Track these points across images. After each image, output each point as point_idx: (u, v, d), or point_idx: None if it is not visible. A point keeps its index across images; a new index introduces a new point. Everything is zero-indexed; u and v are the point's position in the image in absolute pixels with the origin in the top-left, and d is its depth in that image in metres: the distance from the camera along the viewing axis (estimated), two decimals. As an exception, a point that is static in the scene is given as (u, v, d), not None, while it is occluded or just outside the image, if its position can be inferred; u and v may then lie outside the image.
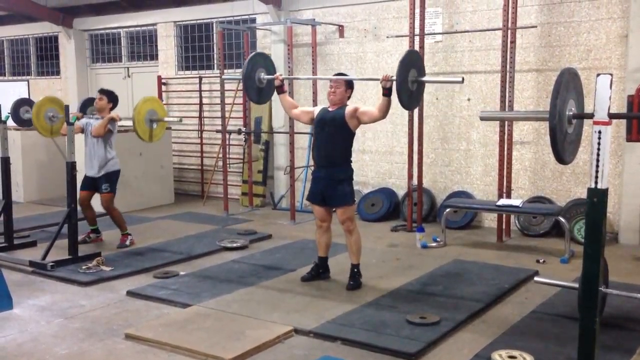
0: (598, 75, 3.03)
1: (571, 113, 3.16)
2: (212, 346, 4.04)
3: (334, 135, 5.28)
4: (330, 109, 5.37)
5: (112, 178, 6.74)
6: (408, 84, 4.87)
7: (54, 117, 7.25)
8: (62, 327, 4.52)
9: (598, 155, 3.06)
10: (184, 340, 4.14)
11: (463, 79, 4.91)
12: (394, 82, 4.85)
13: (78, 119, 6.83)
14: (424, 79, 5.04)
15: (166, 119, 6.70)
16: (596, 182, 3.08)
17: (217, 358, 3.89)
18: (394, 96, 4.90)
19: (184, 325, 4.44)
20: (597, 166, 3.07)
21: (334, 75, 5.56)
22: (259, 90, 5.78)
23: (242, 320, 4.52)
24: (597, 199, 3.09)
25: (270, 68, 5.82)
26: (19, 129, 9.85)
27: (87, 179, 6.80)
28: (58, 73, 12.31)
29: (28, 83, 12.75)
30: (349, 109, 5.25)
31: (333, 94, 5.33)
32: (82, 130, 6.84)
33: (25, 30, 12.58)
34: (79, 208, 6.49)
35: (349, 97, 5.42)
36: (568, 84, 3.12)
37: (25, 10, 11.52)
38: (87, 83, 11.87)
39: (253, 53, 5.94)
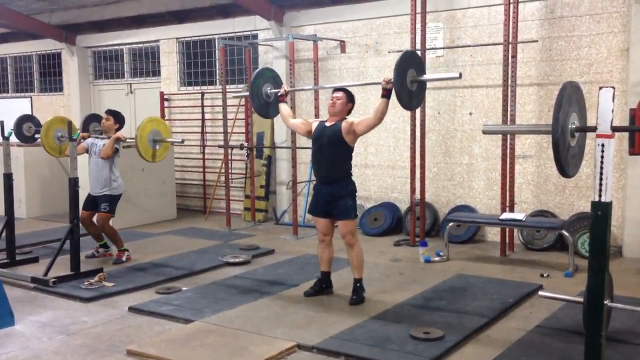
0: (600, 88, 3.04)
1: (574, 126, 3.16)
2: (215, 362, 4.01)
3: (332, 153, 5.29)
4: (327, 124, 5.37)
5: (113, 200, 6.77)
6: (407, 85, 4.90)
7: (62, 137, 7.27)
8: (64, 343, 4.49)
9: (602, 168, 3.05)
10: (186, 357, 4.11)
11: (460, 74, 4.95)
12: (394, 84, 4.88)
13: (84, 138, 6.86)
14: (424, 77, 5.05)
15: (169, 139, 6.68)
16: (600, 195, 3.06)
17: (220, 374, 3.86)
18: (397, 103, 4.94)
19: (187, 341, 4.41)
20: (601, 179, 3.06)
21: (335, 88, 5.58)
22: (266, 104, 5.89)
23: (245, 336, 4.49)
24: (601, 212, 3.08)
25: (277, 81, 5.93)
26: (22, 145, 9.88)
27: (89, 198, 6.81)
28: (61, 89, 12.37)
29: (31, 99, 12.82)
30: (345, 124, 5.24)
31: (333, 105, 5.34)
32: (87, 151, 6.85)
33: (28, 47, 12.67)
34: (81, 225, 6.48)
35: (349, 112, 5.42)
36: (570, 97, 3.12)
37: (29, 28, 11.60)
38: (90, 99, 11.93)
39: (260, 68, 5.98)
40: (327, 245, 5.48)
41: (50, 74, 12.61)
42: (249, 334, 4.53)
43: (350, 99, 5.40)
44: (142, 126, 6.40)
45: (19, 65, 13.15)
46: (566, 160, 3.12)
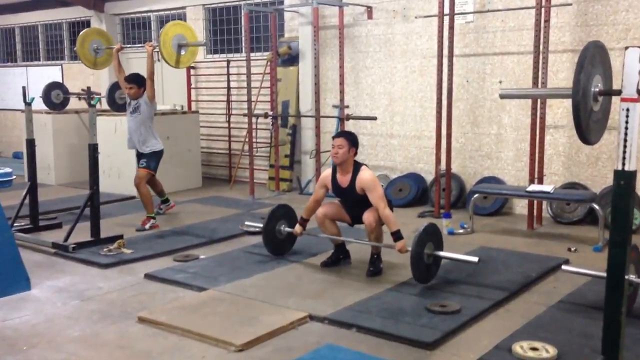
0: (626, 48, 2.81)
1: (597, 89, 2.94)
2: (224, 331, 3.96)
3: (356, 201, 5.16)
4: (339, 179, 5.17)
5: (152, 156, 6.96)
6: (424, 259, 4.76)
7: (98, 49, 7.34)
8: (78, 309, 4.50)
9: (626, 134, 2.84)
10: (196, 325, 4.07)
11: (479, 260, 4.76)
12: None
13: (119, 50, 7.23)
14: (441, 254, 4.86)
15: (194, 42, 6.65)
16: (623, 164, 2.86)
17: (228, 343, 3.80)
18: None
19: (198, 309, 4.37)
20: (625, 146, 2.85)
21: (334, 135, 5.37)
22: (280, 243, 5.67)
23: (257, 306, 4.43)
24: (624, 181, 2.88)
25: (291, 216, 5.68)
26: (51, 112, 9.98)
27: (137, 155, 7.08)
28: (90, 58, 12.38)
29: (62, 67, 12.88)
30: (359, 187, 5.04)
31: (335, 155, 5.11)
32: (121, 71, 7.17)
33: (58, 14, 12.70)
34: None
35: (354, 155, 5.17)
36: (594, 58, 2.91)
37: (59, -5, 11.62)
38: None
39: (270, 211, 5.68)
40: (323, 222, 5.31)
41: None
42: (261, 304, 4.46)
43: (352, 143, 5.13)
44: (165, 30, 6.35)
45: (49, 33, 13.21)
46: (587, 126, 2.93)
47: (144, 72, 7.00)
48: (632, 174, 2.87)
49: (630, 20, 6.71)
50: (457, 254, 4.97)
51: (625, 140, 2.85)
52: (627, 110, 2.83)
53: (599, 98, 2.97)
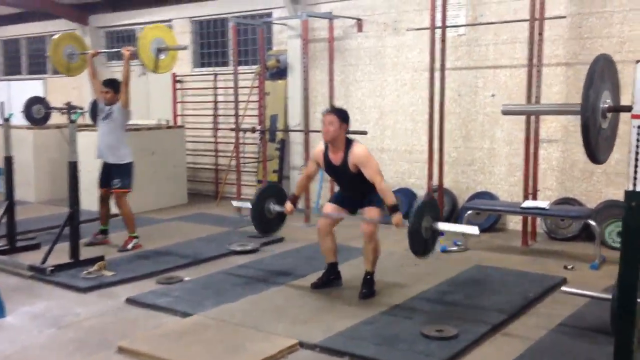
0: (638, 62, 2.64)
1: (606, 106, 2.77)
2: (209, 361, 3.73)
3: (351, 181, 4.96)
4: (331, 157, 4.96)
5: (124, 171, 6.54)
6: (422, 233, 4.54)
7: (72, 54, 7.08)
8: (54, 337, 4.25)
9: (637, 154, 2.66)
10: (179, 355, 3.84)
11: (479, 232, 4.55)
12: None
13: (94, 55, 6.92)
14: (439, 226, 4.64)
15: (173, 46, 6.41)
16: (635, 184, 2.68)
17: (213, 375, 3.58)
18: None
19: (182, 336, 4.13)
20: (636, 166, 2.67)
21: (325, 110, 5.13)
22: (268, 222, 5.41)
23: (244, 332, 4.20)
24: (637, 202, 2.70)
25: (281, 195, 5.44)
26: (32, 127, 9.73)
27: (104, 170, 6.65)
28: (74, 71, 12.13)
29: (44, 82, 12.62)
30: (352, 164, 4.83)
31: (326, 132, 4.88)
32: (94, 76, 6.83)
33: (41, 28, 12.45)
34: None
35: (345, 131, 4.96)
36: (603, 73, 2.73)
37: (41, 7, 11.37)
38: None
39: (260, 189, 5.52)
40: (327, 233, 5.13)
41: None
42: (249, 330, 4.23)
43: (343, 119, 4.92)
44: (143, 34, 6.13)
45: (32, 46, 12.96)
46: (597, 144, 2.75)
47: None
48: (645, 195, 2.69)
49: (625, 33, 6.59)
50: (456, 226, 4.78)
51: (637, 160, 2.67)
52: (639, 127, 2.65)
53: (608, 115, 2.79)
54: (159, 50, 6.22)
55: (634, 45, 6.55)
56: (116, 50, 6.70)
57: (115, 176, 6.52)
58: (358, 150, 4.84)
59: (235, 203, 6.50)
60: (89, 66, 6.90)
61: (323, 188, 8.37)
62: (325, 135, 4.90)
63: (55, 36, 7.21)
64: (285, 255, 6.29)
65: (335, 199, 5.21)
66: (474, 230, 4.59)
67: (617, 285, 2.82)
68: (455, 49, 7.59)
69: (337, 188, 5.50)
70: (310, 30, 8.46)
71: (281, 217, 5.46)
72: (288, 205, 5.20)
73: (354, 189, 4.99)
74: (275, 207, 5.31)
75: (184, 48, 7.06)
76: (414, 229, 4.47)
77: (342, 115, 4.95)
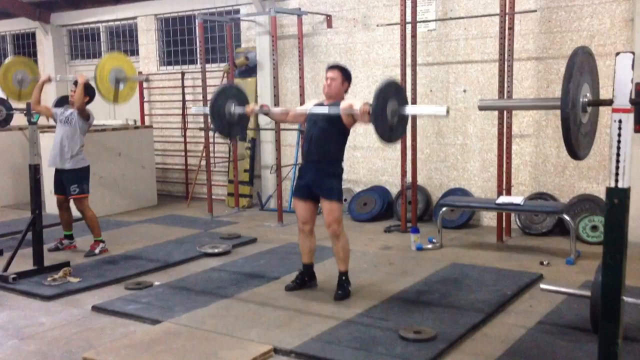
0: (617, 54, 2.57)
1: (586, 100, 2.69)
2: (180, 371, 3.58)
3: (327, 130, 4.78)
4: (324, 104, 4.88)
5: (80, 175, 6.25)
6: (387, 119, 4.25)
7: (23, 80, 6.78)
8: (15, 350, 4.04)
9: (619, 148, 2.59)
10: (148, 365, 3.67)
11: (448, 110, 4.21)
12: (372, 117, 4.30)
13: (49, 80, 6.54)
14: (407, 111, 4.40)
15: (133, 76, 6.18)
16: (617, 180, 2.61)
17: (184, 386, 3.42)
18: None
19: (151, 346, 3.96)
20: (618, 161, 2.60)
21: (329, 66, 4.98)
22: (229, 125, 5.02)
23: (216, 339, 4.05)
24: (618, 199, 2.63)
25: (242, 98, 5.10)
26: (-7, 130, 9.39)
27: (56, 178, 6.33)
28: (36, 71, 11.79)
29: (6, 82, 12.22)
30: (344, 104, 4.73)
31: (329, 86, 4.80)
32: (54, 119, 6.39)
33: (1, 27, 12.06)
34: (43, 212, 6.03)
35: (346, 91, 4.90)
36: (582, 66, 2.65)
37: (0, 6, 10.99)
38: (66, 81, 11.35)
39: (219, 87, 5.22)
40: (307, 235, 5.01)
41: (25, 55, 12.02)
42: (221, 337, 4.08)
43: (346, 77, 4.85)
44: (101, 64, 5.89)
45: (-8, 46, 12.57)
46: (577, 140, 2.67)
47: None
48: (626, 191, 2.62)
49: (595, 27, 6.58)
50: (424, 107, 4.54)
51: (618, 155, 2.60)
52: (620, 121, 2.58)
53: (588, 109, 2.72)
54: (118, 81, 5.98)
55: (603, 38, 6.56)
56: (71, 77, 6.37)
57: (72, 182, 6.23)
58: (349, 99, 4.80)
59: (194, 109, 6.61)
60: (36, 91, 6.39)
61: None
62: (327, 89, 4.80)
63: (5, 61, 6.92)
64: (259, 256, 6.14)
65: (298, 189, 5.01)
66: (441, 110, 4.24)
67: (601, 284, 2.74)
68: (426, 45, 7.52)
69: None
70: (279, 26, 8.31)
71: (243, 122, 5.14)
72: (249, 107, 4.95)
73: (321, 141, 4.77)
74: (236, 109, 4.95)
75: (145, 79, 6.81)
76: (378, 113, 4.16)
77: (346, 73, 4.87)
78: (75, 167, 6.23)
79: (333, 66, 4.93)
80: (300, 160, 5.18)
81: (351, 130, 7.63)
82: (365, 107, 4.37)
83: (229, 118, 4.96)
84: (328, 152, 4.83)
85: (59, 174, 6.32)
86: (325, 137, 4.80)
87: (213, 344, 3.97)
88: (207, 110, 5.12)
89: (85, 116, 6.20)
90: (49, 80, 6.58)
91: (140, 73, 6.80)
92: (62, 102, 7.20)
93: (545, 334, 4.06)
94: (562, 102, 2.55)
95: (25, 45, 11.96)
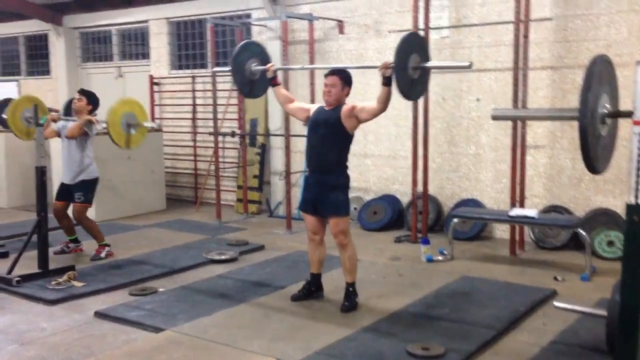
0: (638, 62, 2.45)
1: (605, 111, 2.58)
2: (180, 383, 3.48)
3: (327, 137, 4.70)
4: (326, 109, 4.81)
5: (87, 186, 6.19)
6: (408, 71, 4.22)
7: (31, 119, 6.70)
8: (14, 355, 3.97)
9: (639, 162, 2.47)
10: (148, 375, 3.58)
11: (471, 64, 4.22)
12: (394, 71, 4.25)
13: (54, 120, 6.29)
14: (428, 64, 4.37)
15: (145, 124, 6.11)
16: (637, 197, 2.49)
17: (184, 399, 3.33)
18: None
19: (152, 355, 3.88)
20: (638, 176, 2.48)
21: (327, 72, 4.89)
22: (250, 82, 5.17)
23: (217, 350, 3.95)
24: (638, 216, 2.50)
25: (265, 58, 5.22)
26: (3, 131, 9.37)
27: (62, 187, 6.28)
28: (49, 73, 11.81)
29: (18, 83, 12.26)
30: (345, 108, 4.66)
31: (328, 94, 4.72)
32: (59, 134, 6.32)
33: (14, 28, 12.09)
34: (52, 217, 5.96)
35: (347, 95, 4.82)
36: (601, 75, 2.54)
37: (14, 7, 11.02)
38: (77, 83, 11.34)
39: (244, 42, 5.34)
40: (317, 244, 4.91)
41: (37, 57, 12.06)
42: (223, 347, 3.99)
43: (346, 82, 4.75)
44: (114, 109, 5.83)
45: (5, 47, 12.59)
46: (595, 153, 2.55)
47: (104, 90, 6.40)
48: (647, 208, 2.50)
49: (612, 36, 6.45)
50: (446, 62, 4.53)
51: (639, 170, 2.48)
52: (641, 134, 2.46)
53: (607, 121, 2.60)
54: (129, 126, 5.94)
55: (620, 48, 6.40)
56: (74, 118, 6.19)
57: (78, 190, 6.17)
58: (350, 103, 4.73)
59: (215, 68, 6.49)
60: (44, 128, 6.17)
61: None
62: (327, 97, 4.72)
63: (13, 100, 6.80)
64: (265, 264, 6.04)
65: (304, 204, 4.94)
66: (464, 64, 4.33)
67: (619, 304, 2.61)
68: (439, 52, 7.40)
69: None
70: (290, 31, 8.24)
71: (264, 82, 5.20)
72: (269, 65, 5.03)
73: (322, 144, 4.71)
74: (256, 67, 5.06)
75: (158, 129, 6.70)
76: (400, 67, 4.14)
77: (345, 77, 4.76)
78: (87, 179, 6.20)
79: (331, 72, 4.81)
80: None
81: (362, 138, 7.49)
82: (385, 63, 4.32)
83: (249, 75, 5.06)
84: (327, 161, 4.74)
85: (68, 185, 6.27)
86: (325, 145, 4.73)
87: (214, 355, 3.88)
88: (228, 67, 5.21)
89: (83, 134, 6.13)
90: (57, 119, 6.37)
91: (153, 121, 6.64)
92: (69, 106, 7.16)
93: (559, 354, 3.92)
94: (580, 112, 2.44)
95: (38, 47, 11.98)
